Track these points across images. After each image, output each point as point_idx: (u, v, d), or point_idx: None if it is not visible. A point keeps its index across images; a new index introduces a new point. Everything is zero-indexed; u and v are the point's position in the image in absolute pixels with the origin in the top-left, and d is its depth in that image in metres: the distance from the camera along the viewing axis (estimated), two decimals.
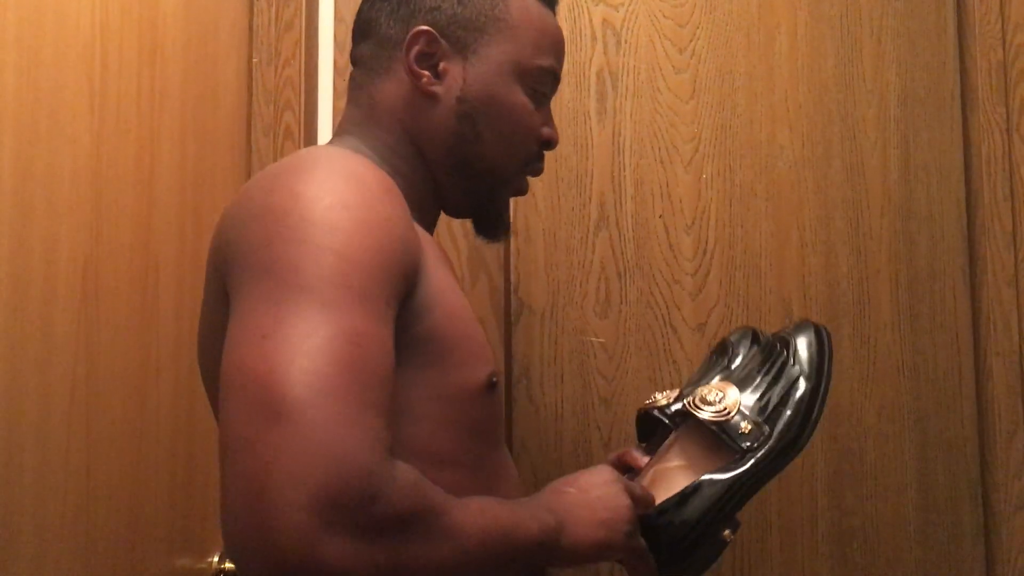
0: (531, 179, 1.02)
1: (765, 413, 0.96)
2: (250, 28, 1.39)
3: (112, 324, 0.95)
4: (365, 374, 0.67)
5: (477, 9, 0.92)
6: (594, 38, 1.43)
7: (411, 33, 0.91)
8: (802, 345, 1.00)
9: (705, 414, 0.96)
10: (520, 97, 0.94)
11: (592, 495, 0.88)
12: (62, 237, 0.87)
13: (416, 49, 0.91)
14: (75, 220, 0.89)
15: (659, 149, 1.42)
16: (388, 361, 0.70)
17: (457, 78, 0.92)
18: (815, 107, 1.42)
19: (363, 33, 0.96)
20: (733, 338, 1.06)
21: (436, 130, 0.92)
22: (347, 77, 1.41)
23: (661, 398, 1.03)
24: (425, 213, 0.94)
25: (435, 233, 0.99)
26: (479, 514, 0.74)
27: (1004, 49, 1.41)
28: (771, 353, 1.01)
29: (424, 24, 0.91)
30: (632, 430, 1.10)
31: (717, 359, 1.06)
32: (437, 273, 0.83)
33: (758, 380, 0.98)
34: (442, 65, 0.92)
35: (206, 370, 0.88)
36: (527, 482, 1.28)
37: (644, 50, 1.43)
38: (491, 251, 1.38)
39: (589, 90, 1.42)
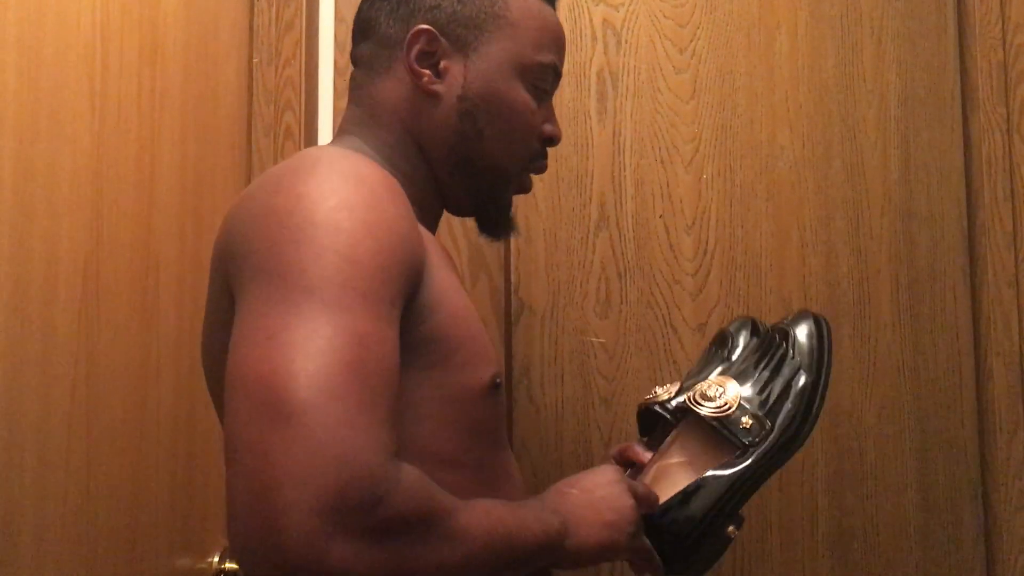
0: (532, 179, 1.02)
1: (766, 407, 0.96)
2: (250, 28, 1.39)
3: (112, 324, 0.95)
4: (370, 376, 0.67)
5: (477, 7, 0.92)
6: (594, 38, 1.43)
7: (411, 32, 0.91)
8: (801, 336, 1.00)
9: (705, 410, 0.96)
10: (522, 94, 0.94)
11: (596, 496, 0.88)
12: (62, 237, 0.87)
13: (417, 48, 0.91)
14: (75, 220, 0.89)
15: (659, 149, 1.42)
16: (393, 362, 0.70)
17: (458, 76, 0.92)
18: (815, 107, 1.42)
19: (363, 33, 0.96)
20: (732, 328, 1.06)
21: (438, 129, 0.92)
22: (347, 77, 1.41)
23: (662, 392, 1.03)
24: (428, 212, 0.94)
25: (435, 233, 0.99)
26: (484, 516, 0.74)
27: (1004, 49, 1.41)
28: (770, 345, 1.00)
29: (424, 23, 0.91)
30: (633, 430, 1.10)
31: (717, 350, 1.06)
32: (441, 274, 0.83)
33: (758, 373, 0.98)
34: (443, 63, 0.91)
35: (210, 371, 0.88)
36: (527, 482, 1.27)
37: (644, 50, 1.43)
38: (491, 251, 1.38)
39: (589, 90, 1.42)
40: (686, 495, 0.93)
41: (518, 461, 1.31)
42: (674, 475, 0.97)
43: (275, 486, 0.61)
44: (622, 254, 1.40)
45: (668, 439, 1.00)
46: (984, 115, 1.40)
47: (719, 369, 1.02)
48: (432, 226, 0.96)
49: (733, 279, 1.40)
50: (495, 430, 0.88)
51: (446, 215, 1.01)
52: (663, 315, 1.39)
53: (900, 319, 1.40)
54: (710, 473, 0.93)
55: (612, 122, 1.42)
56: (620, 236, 1.40)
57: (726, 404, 0.96)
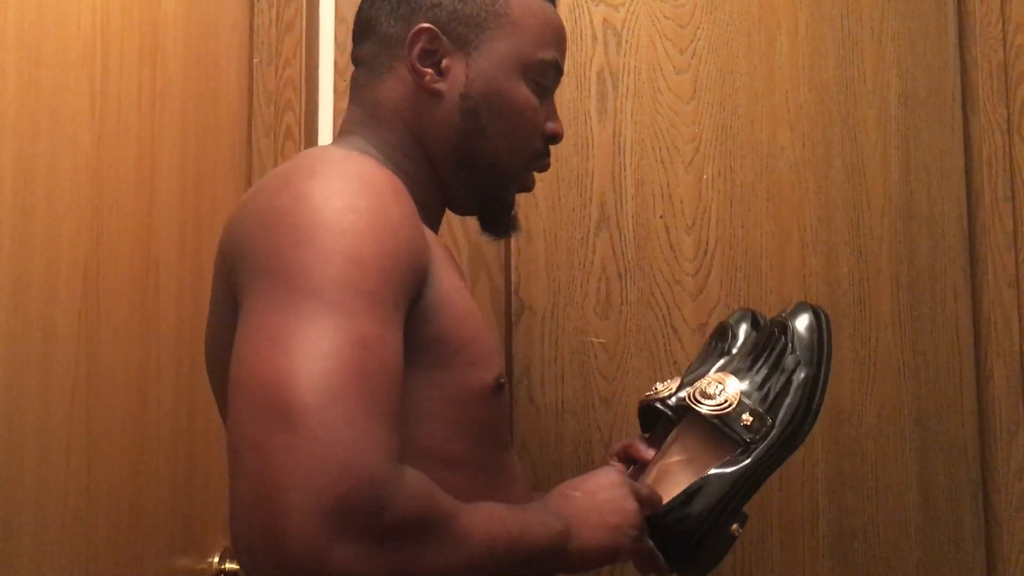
0: (535, 177, 1.02)
1: (766, 403, 0.95)
2: (251, 28, 1.39)
3: (113, 324, 0.95)
4: (374, 378, 0.67)
5: (478, 5, 0.92)
6: (595, 38, 1.43)
7: (413, 31, 0.91)
8: (800, 330, 0.99)
9: (705, 408, 0.95)
10: (524, 91, 0.94)
11: (599, 499, 0.88)
12: (63, 237, 0.87)
13: (418, 47, 0.91)
14: (76, 220, 0.89)
15: (660, 149, 1.42)
16: (397, 364, 0.70)
17: (460, 75, 0.91)
18: (816, 108, 1.42)
19: (364, 33, 0.96)
20: (732, 321, 1.06)
21: (440, 127, 0.92)
22: (348, 77, 1.41)
23: (662, 389, 1.02)
24: (430, 212, 0.94)
25: (437, 232, 0.99)
26: (487, 520, 0.74)
27: (1005, 50, 1.41)
28: (770, 339, 1.00)
29: (425, 21, 0.91)
30: (633, 430, 1.10)
31: (716, 343, 1.05)
32: (445, 274, 0.83)
33: (757, 368, 0.98)
34: (445, 62, 0.91)
35: (213, 372, 0.88)
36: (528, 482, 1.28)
37: (645, 50, 1.43)
38: (492, 251, 1.38)
39: (590, 90, 1.42)
40: (688, 495, 0.93)
41: (518, 461, 1.32)
42: (676, 474, 0.97)
43: (278, 489, 0.61)
44: (622, 254, 1.40)
45: (669, 438, 1.00)
46: (984, 115, 1.40)
47: (719, 364, 1.01)
48: (435, 226, 0.96)
49: (733, 279, 1.40)
50: (499, 431, 0.88)
51: (446, 215, 1.01)
52: (663, 315, 1.39)
53: (900, 319, 1.40)
54: (712, 472, 0.93)
55: (612, 122, 1.42)
56: (620, 236, 1.40)
57: (726, 401, 0.95)
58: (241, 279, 0.74)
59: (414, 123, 0.92)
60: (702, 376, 1.00)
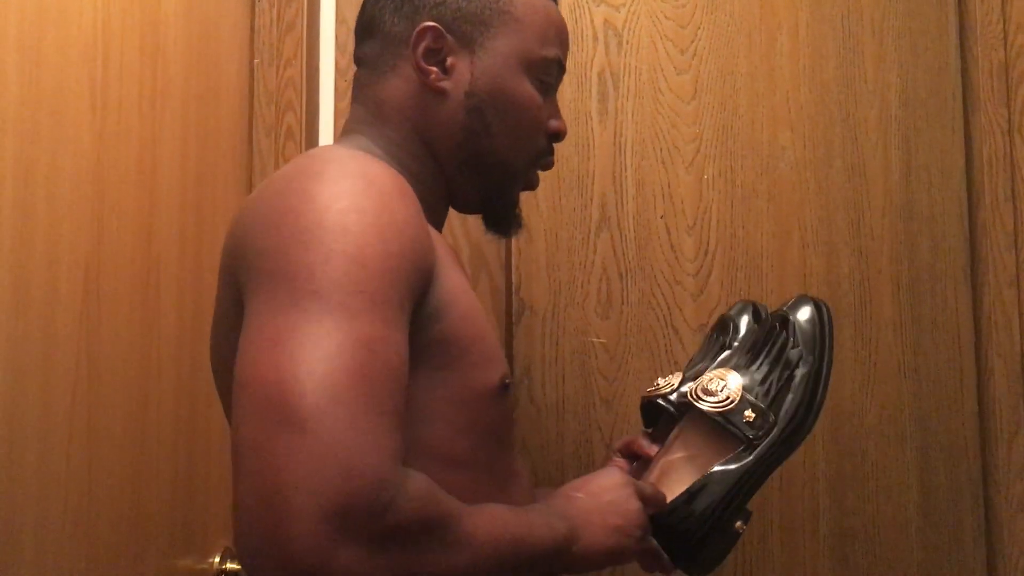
0: (538, 176, 1.02)
1: (768, 399, 0.95)
2: (251, 29, 1.39)
3: (113, 324, 0.95)
4: (378, 380, 0.67)
5: (482, 3, 0.92)
6: (595, 39, 1.43)
7: (417, 30, 0.90)
8: (802, 323, 0.98)
9: (707, 405, 0.95)
10: (528, 89, 0.94)
11: (603, 500, 0.88)
12: (63, 237, 0.87)
13: (423, 45, 0.90)
14: (76, 220, 0.89)
15: (660, 150, 1.42)
16: (401, 366, 0.70)
17: (465, 73, 0.91)
18: (816, 108, 1.42)
19: (367, 32, 0.96)
20: (733, 313, 1.05)
21: (445, 126, 0.92)
22: (349, 78, 1.41)
23: (664, 384, 1.02)
24: (434, 211, 0.94)
25: (441, 232, 0.99)
26: (491, 522, 0.73)
27: (1006, 50, 1.41)
28: (771, 333, 0.99)
29: (429, 20, 0.91)
30: (633, 430, 1.10)
31: (717, 336, 1.05)
32: (450, 275, 0.83)
33: (759, 363, 0.97)
34: (449, 60, 0.91)
35: (218, 372, 0.88)
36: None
37: (645, 51, 1.43)
38: (492, 251, 1.38)
39: (591, 90, 1.42)
40: (691, 494, 0.93)
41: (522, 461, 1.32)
42: (679, 471, 0.97)
43: (282, 491, 0.61)
44: (623, 254, 1.40)
45: (672, 435, 0.99)
46: (985, 115, 1.40)
47: (720, 358, 1.01)
48: (439, 225, 0.96)
49: (734, 280, 1.40)
50: (504, 431, 0.88)
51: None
52: (664, 315, 1.39)
53: (901, 319, 1.39)
54: (715, 469, 0.93)
55: (613, 122, 1.42)
56: (621, 236, 1.40)
57: (728, 398, 0.95)
58: (246, 279, 0.74)
59: (419, 122, 0.92)
60: (703, 371, 1.00)
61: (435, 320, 0.79)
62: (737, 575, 1.35)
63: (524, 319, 1.39)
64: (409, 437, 0.69)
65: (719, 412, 0.94)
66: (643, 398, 1.04)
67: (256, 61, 1.38)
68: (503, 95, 0.92)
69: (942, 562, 1.36)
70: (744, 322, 1.04)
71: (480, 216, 1.02)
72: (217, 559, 1.21)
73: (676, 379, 1.02)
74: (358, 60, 0.97)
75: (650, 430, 1.04)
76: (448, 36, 0.91)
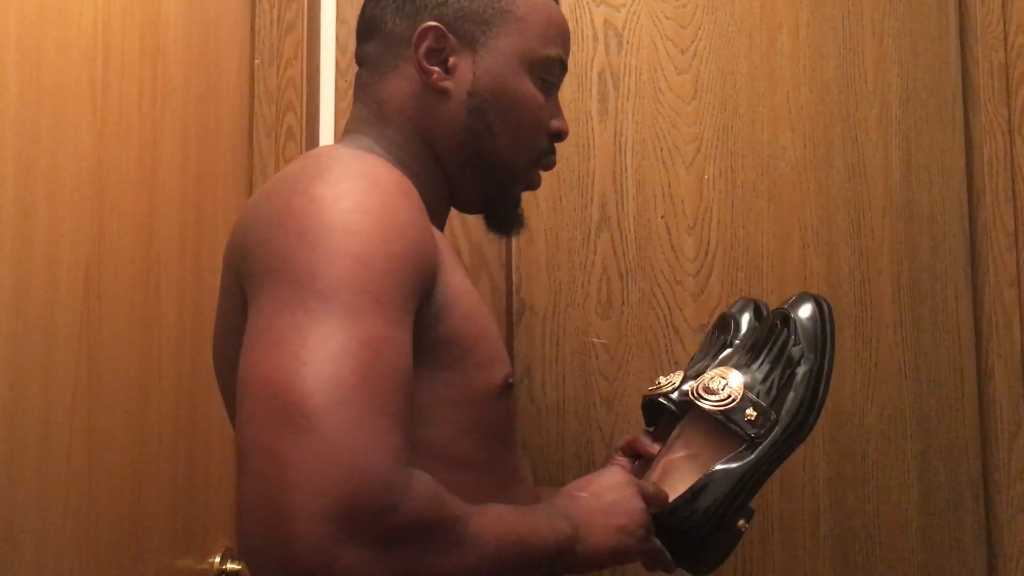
0: (540, 175, 1.01)
1: (770, 397, 0.94)
2: (252, 29, 1.39)
3: (114, 324, 0.95)
4: (383, 381, 0.67)
5: (484, 2, 0.92)
6: (596, 39, 1.43)
7: (419, 29, 0.90)
8: (803, 320, 0.98)
9: (708, 404, 0.95)
10: (530, 88, 0.93)
11: (606, 500, 0.88)
12: (64, 237, 0.87)
13: (425, 45, 0.90)
14: (77, 220, 0.89)
15: (661, 150, 1.41)
16: (406, 367, 0.70)
17: (467, 72, 0.91)
18: (817, 108, 1.42)
19: (368, 32, 0.96)
20: (734, 310, 1.05)
21: (447, 125, 0.92)
22: (349, 78, 1.41)
23: (665, 383, 1.02)
24: (437, 211, 0.94)
25: (443, 231, 0.99)
26: (495, 522, 0.73)
27: (1006, 50, 1.41)
28: (772, 331, 0.99)
29: (431, 20, 0.91)
30: (634, 430, 1.10)
31: (719, 334, 1.05)
32: (454, 275, 0.83)
33: (760, 361, 0.97)
34: (451, 60, 0.91)
35: (221, 372, 0.88)
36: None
37: (646, 51, 1.43)
38: (493, 251, 1.38)
39: (591, 90, 1.42)
40: (694, 493, 0.93)
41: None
42: (681, 469, 0.97)
43: (286, 492, 0.61)
44: (623, 254, 1.40)
45: (673, 433, 0.99)
46: (986, 116, 1.40)
47: (721, 356, 1.01)
48: (441, 225, 0.96)
49: (735, 280, 1.40)
50: (507, 431, 0.88)
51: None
52: (664, 316, 1.39)
53: (901, 320, 1.39)
54: (718, 468, 0.93)
55: (613, 123, 1.42)
56: (621, 236, 1.40)
57: (729, 396, 0.95)
58: (250, 280, 0.74)
59: (421, 121, 0.92)
60: (704, 369, 1.00)
61: (438, 320, 0.79)
62: (737, 575, 1.35)
63: (524, 319, 1.39)
64: (412, 437, 0.69)
65: (720, 411, 0.94)
66: (644, 397, 1.04)
67: (256, 61, 1.38)
68: (505, 95, 0.92)
69: (942, 562, 1.36)
70: (745, 320, 1.04)
71: (480, 216, 1.02)
72: (217, 559, 1.21)
73: (677, 377, 1.01)
74: (359, 60, 0.97)
75: (652, 429, 1.04)
76: (450, 36, 0.91)
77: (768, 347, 0.98)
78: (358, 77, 0.97)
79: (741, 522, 0.94)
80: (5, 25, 0.79)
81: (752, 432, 0.93)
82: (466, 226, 1.38)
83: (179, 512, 1.11)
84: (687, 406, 0.98)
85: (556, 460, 1.37)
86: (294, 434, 0.62)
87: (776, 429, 0.93)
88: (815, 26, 1.43)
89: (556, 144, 1.00)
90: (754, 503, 0.96)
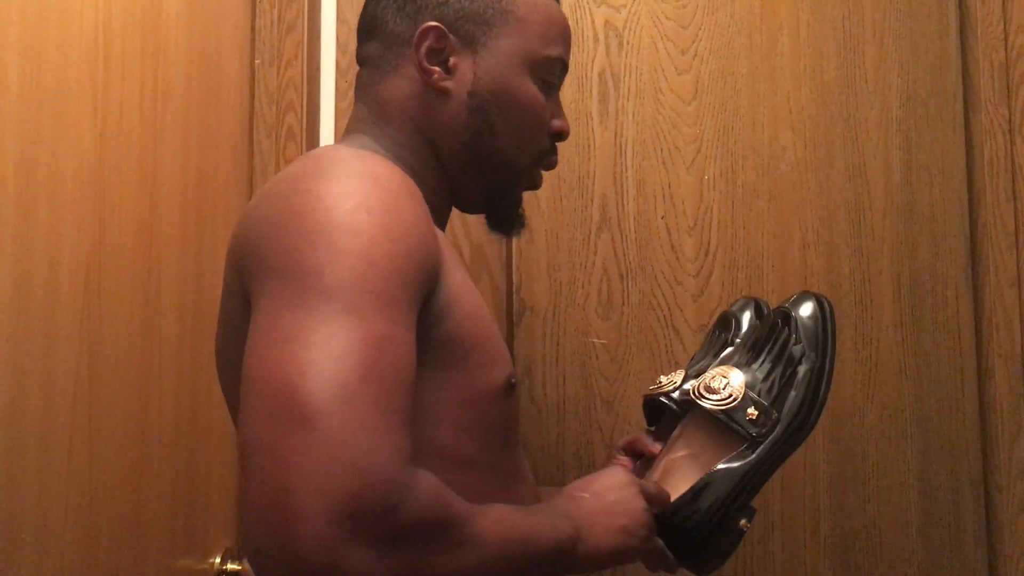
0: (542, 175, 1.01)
1: (771, 395, 0.94)
2: (252, 29, 1.39)
3: (114, 324, 0.95)
4: (387, 380, 0.67)
5: (484, 2, 0.92)
6: (596, 39, 1.43)
7: (420, 29, 0.90)
8: (804, 319, 0.98)
9: (709, 403, 0.95)
10: (531, 88, 0.93)
11: (608, 500, 0.88)
12: (65, 237, 0.87)
13: (426, 45, 0.90)
14: (78, 220, 0.89)
15: (661, 150, 1.42)
16: (410, 366, 0.70)
17: (468, 72, 0.91)
18: (817, 108, 1.42)
19: (369, 32, 0.96)
20: (735, 309, 1.05)
21: (448, 125, 0.92)
22: (349, 78, 1.41)
23: (666, 382, 1.02)
24: (438, 211, 0.93)
25: (444, 231, 0.99)
26: (498, 523, 0.73)
27: (1006, 50, 1.41)
28: (773, 329, 0.99)
29: (432, 20, 0.91)
30: (634, 430, 1.10)
31: (720, 333, 1.05)
32: (456, 275, 0.83)
33: (761, 360, 0.97)
34: (452, 60, 0.91)
35: (223, 372, 0.88)
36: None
37: (646, 51, 1.43)
38: (493, 251, 1.38)
39: (591, 91, 1.42)
40: (695, 492, 0.93)
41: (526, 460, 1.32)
42: (682, 469, 0.97)
43: (290, 491, 0.61)
44: (624, 255, 1.40)
45: (675, 433, 0.99)
46: (986, 116, 1.40)
47: (723, 355, 1.01)
48: (442, 225, 0.96)
49: (735, 280, 1.40)
50: (509, 430, 0.88)
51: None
52: (665, 316, 1.39)
53: (902, 320, 1.39)
54: (719, 467, 0.93)
55: (614, 123, 1.42)
56: (622, 237, 1.40)
57: (730, 396, 0.95)
58: (253, 279, 0.74)
59: (422, 121, 0.92)
60: (705, 368, 1.00)
61: (441, 320, 0.79)
62: (738, 575, 1.36)
63: (525, 320, 1.39)
64: (415, 437, 0.69)
65: (722, 410, 0.94)
66: (645, 396, 1.04)
67: (257, 61, 1.38)
68: (506, 95, 0.92)
69: (943, 563, 1.36)
70: (746, 319, 1.04)
71: (481, 216, 1.02)
72: (218, 560, 1.21)
73: (679, 377, 1.01)
74: (360, 60, 0.97)
75: (653, 428, 1.04)
76: (451, 36, 0.91)
77: (769, 346, 0.97)
78: (359, 77, 0.97)
79: (743, 521, 0.94)
80: (6, 25, 0.79)
81: (753, 431, 0.93)
82: (467, 226, 1.38)
83: (179, 512, 1.11)
84: (688, 405, 0.98)
85: (556, 460, 1.37)
86: (298, 433, 0.62)
87: (778, 428, 0.93)
88: (815, 26, 1.43)
89: (560, 142, 1.00)
90: (754, 503, 0.96)
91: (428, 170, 0.92)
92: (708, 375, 0.98)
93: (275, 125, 1.37)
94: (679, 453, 0.98)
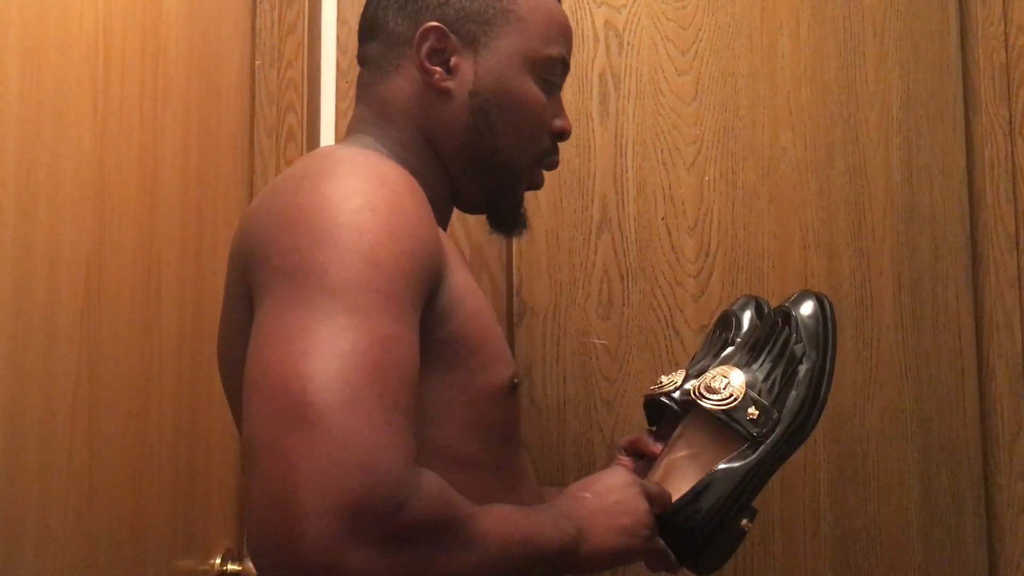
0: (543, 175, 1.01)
1: (772, 395, 0.94)
2: (253, 30, 1.39)
3: (115, 324, 0.95)
4: (392, 379, 0.67)
5: (485, 2, 0.92)
6: (596, 40, 1.43)
7: (421, 30, 0.90)
8: (804, 318, 0.97)
9: (710, 403, 0.95)
10: (532, 88, 0.93)
11: (610, 500, 0.88)
12: (65, 237, 0.87)
13: (427, 45, 0.90)
14: (78, 220, 0.89)
15: (661, 151, 1.42)
16: (414, 365, 0.70)
17: (469, 72, 0.91)
18: (818, 109, 1.42)
19: (370, 32, 0.96)
20: (736, 308, 1.05)
21: (450, 126, 0.92)
22: (350, 79, 1.41)
23: (667, 382, 1.02)
24: (440, 211, 0.93)
25: (446, 231, 0.98)
26: (501, 522, 0.73)
27: (1007, 51, 1.41)
28: (773, 328, 0.99)
29: (433, 20, 0.91)
30: (635, 431, 1.10)
31: (720, 332, 1.05)
32: (458, 275, 0.83)
33: (762, 359, 0.97)
34: (453, 60, 0.91)
35: (226, 372, 0.88)
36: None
37: (646, 52, 1.43)
38: (493, 252, 1.38)
39: (591, 92, 1.42)
40: (696, 492, 0.93)
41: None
42: (683, 469, 0.97)
43: (294, 491, 0.61)
44: (624, 256, 1.40)
45: (675, 433, 0.99)
46: (987, 117, 1.40)
47: (723, 355, 1.01)
48: (444, 225, 0.96)
49: (735, 281, 1.40)
50: (512, 430, 0.88)
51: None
52: (665, 317, 1.39)
53: (902, 321, 1.39)
54: (720, 467, 0.93)
55: (614, 124, 1.42)
56: (622, 238, 1.40)
57: (731, 396, 0.95)
58: (257, 278, 0.74)
59: (423, 122, 0.92)
60: (706, 368, 1.00)
61: (444, 320, 0.79)
62: None
63: (525, 320, 1.39)
64: (419, 438, 0.69)
65: (722, 409, 0.94)
66: (646, 396, 1.04)
67: (257, 62, 1.38)
68: (507, 95, 0.92)
69: (943, 563, 1.36)
70: (747, 318, 1.04)
71: (481, 216, 1.02)
72: (218, 560, 1.21)
73: (679, 376, 1.01)
74: (361, 60, 0.97)
75: (654, 428, 1.04)
76: (452, 36, 0.91)
77: (770, 345, 0.97)
78: (360, 77, 0.97)
79: (744, 521, 0.94)
80: (6, 25, 0.79)
81: (754, 431, 0.93)
82: (467, 226, 1.38)
83: (180, 513, 1.11)
84: (689, 405, 0.98)
85: (557, 461, 1.37)
86: (302, 432, 0.62)
87: (778, 428, 0.93)
88: (816, 27, 1.43)
89: (561, 142, 0.99)
90: (755, 503, 0.96)
91: (429, 170, 0.92)
92: (709, 375, 0.97)
93: (275, 126, 1.37)
94: (680, 453, 0.98)
